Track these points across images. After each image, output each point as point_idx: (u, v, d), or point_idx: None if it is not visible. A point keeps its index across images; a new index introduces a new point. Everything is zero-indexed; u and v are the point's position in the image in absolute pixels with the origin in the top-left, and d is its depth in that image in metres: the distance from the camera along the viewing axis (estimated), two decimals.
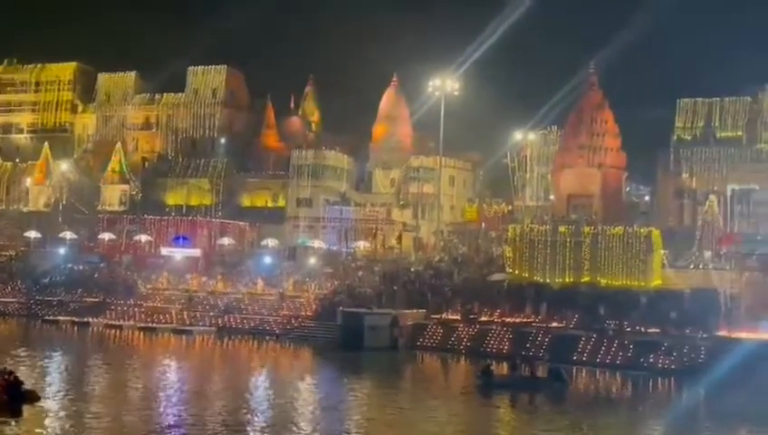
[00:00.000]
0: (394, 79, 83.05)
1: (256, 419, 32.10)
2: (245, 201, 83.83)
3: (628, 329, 48.86)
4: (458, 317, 53.45)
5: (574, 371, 45.25)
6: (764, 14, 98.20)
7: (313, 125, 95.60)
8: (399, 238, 70.75)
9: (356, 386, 40.42)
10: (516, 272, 56.50)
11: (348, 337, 51.89)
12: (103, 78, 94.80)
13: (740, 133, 74.18)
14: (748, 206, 66.01)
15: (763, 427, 34.40)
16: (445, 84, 67.82)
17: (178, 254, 70.46)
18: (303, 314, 57.94)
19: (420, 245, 72.34)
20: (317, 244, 72.53)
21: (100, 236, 75.74)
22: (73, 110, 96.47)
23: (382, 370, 46.47)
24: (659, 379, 44.22)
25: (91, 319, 59.84)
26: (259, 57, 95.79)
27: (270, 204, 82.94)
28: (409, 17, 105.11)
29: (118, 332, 57.16)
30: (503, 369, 43.17)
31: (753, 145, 70.80)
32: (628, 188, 76.44)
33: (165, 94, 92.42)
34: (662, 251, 54.83)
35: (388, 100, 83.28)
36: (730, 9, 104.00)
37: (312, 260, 67.60)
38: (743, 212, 65.93)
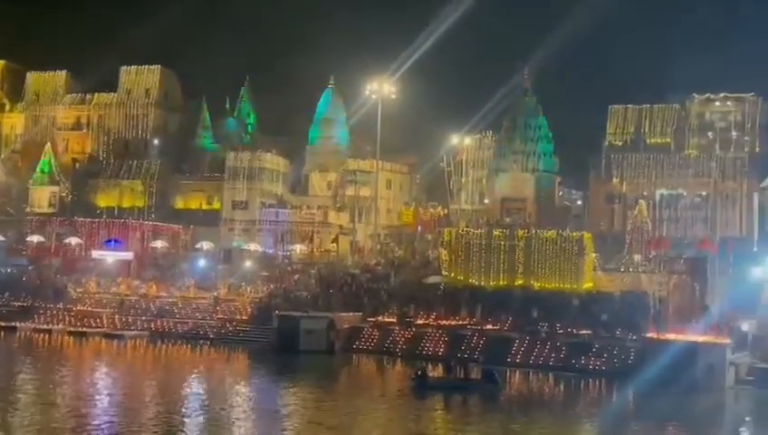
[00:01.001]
0: (331, 81, 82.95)
1: (191, 425, 31.68)
2: (179, 203, 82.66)
3: (561, 331, 49.73)
4: (394, 320, 53.66)
5: (508, 372, 45.84)
6: (692, 25, 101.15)
7: (249, 127, 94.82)
8: (336, 241, 70.70)
9: (292, 390, 40.24)
10: (452, 275, 57.01)
11: (284, 341, 51.57)
12: (32, 77, 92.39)
13: (668, 140, 76.21)
14: (676, 210, 67.84)
15: (689, 426, 35.43)
16: (382, 88, 68.06)
17: (110, 257, 69.04)
18: (239, 317, 57.38)
19: (357, 248, 72.44)
20: (253, 247, 71.95)
21: (28, 239, 73.75)
22: (0, 109, 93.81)
23: (319, 373, 46.36)
24: (591, 380, 45.10)
25: (18, 323, 58.21)
26: (194, 58, 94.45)
27: (205, 206, 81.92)
28: (347, 20, 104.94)
29: (47, 336, 55.76)
30: (438, 371, 43.50)
31: (680, 151, 72.76)
32: (560, 193, 77.82)
33: (96, 94, 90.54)
34: (593, 254, 55.93)
35: (325, 102, 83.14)
36: (660, 18, 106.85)
37: (248, 263, 67.04)
38: (671, 216, 67.74)
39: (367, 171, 77.53)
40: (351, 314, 54.45)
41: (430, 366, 44.40)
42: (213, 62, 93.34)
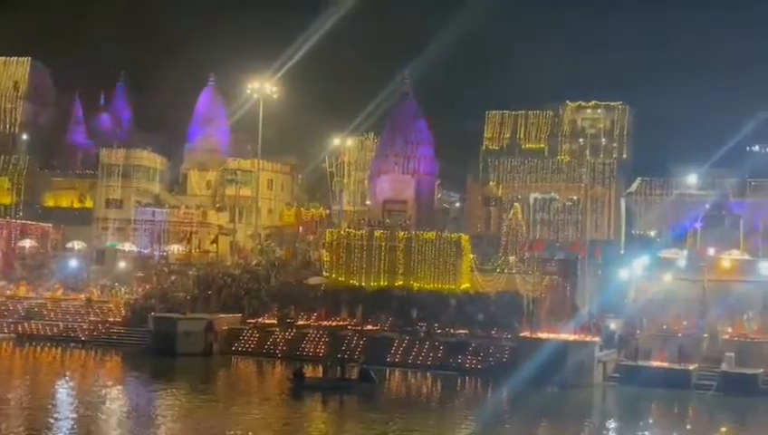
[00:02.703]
0: (211, 79, 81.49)
1: (59, 433, 30.47)
2: (49, 201, 79.38)
3: (439, 331, 50.67)
4: (275, 321, 53.33)
5: (388, 372, 46.38)
6: (567, 35, 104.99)
7: (125, 123, 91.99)
8: (215, 242, 69.56)
9: (168, 393, 39.36)
10: (333, 276, 57.15)
11: (160, 343, 50.42)
12: None
13: (542, 145, 78.78)
14: (549, 213, 70.19)
15: (561, 422, 36.80)
16: (263, 87, 67.49)
17: None
18: (112, 319, 55.79)
19: (237, 248, 71.42)
20: (127, 247, 69.89)
21: None
22: None
23: (196, 376, 45.58)
24: (467, 378, 46.16)
25: None
26: (67, 51, 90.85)
27: (76, 205, 79.01)
28: (228, 18, 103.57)
29: None
30: (318, 372, 43.52)
31: (554, 156, 75.26)
32: (440, 195, 79.18)
33: None
34: (471, 256, 57.24)
35: (204, 100, 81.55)
36: (538, 28, 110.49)
37: (122, 264, 65.20)
38: (544, 219, 70.02)
39: (248, 171, 76.64)
40: (231, 315, 53.76)
41: (311, 367, 44.42)
42: (87, 56, 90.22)
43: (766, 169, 67.28)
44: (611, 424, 37.74)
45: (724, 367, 44.03)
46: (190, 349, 49.92)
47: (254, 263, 64.98)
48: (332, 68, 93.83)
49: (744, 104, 74.80)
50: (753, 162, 69.95)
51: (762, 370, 43.83)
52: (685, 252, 56.50)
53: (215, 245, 69.23)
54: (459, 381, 45.43)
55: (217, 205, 76.71)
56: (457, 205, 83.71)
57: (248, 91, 68.35)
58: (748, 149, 75.60)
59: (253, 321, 53.60)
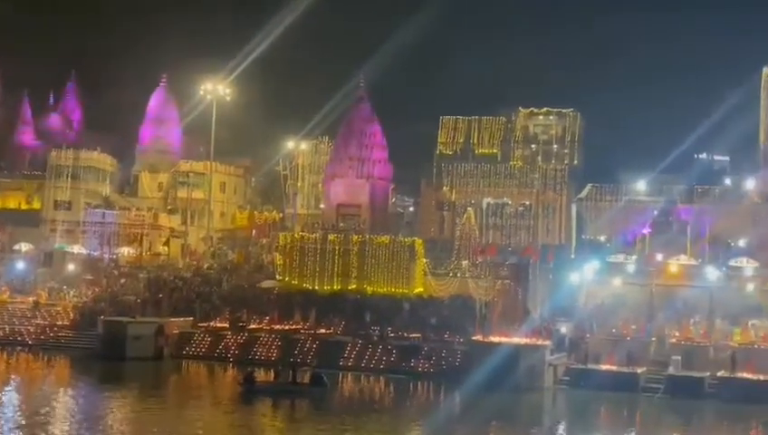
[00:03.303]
0: (163, 79, 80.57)
1: None
2: None
3: (392, 335, 50.78)
4: (227, 325, 52.91)
5: (341, 375, 46.31)
6: (525, 41, 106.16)
7: (75, 123, 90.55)
8: (167, 244, 68.80)
9: (117, 398, 38.85)
10: (286, 279, 56.93)
11: (109, 347, 49.68)
12: None
13: (495, 151, 79.33)
14: (501, 218, 70.84)
15: (512, 425, 37.12)
16: (216, 89, 66.99)
17: None
18: (60, 323, 54.84)
19: (189, 251, 70.73)
20: (76, 249, 68.74)
21: None
22: None
23: (145, 380, 45.04)
24: (420, 382, 46.26)
25: None
26: (15, 49, 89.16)
27: (24, 206, 77.53)
28: (181, 19, 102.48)
29: None
30: (270, 376, 43.28)
31: (506, 162, 75.93)
32: (393, 199, 79.33)
33: None
34: (424, 260, 57.47)
35: (156, 101, 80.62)
36: (494, 35, 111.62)
37: (71, 266, 64.10)
38: (496, 224, 70.64)
39: (200, 173, 75.97)
40: (182, 319, 53.20)
41: (263, 371, 44.17)
42: (36, 54, 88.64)
43: (713, 176, 68.82)
44: (561, 427, 38.15)
45: (671, 370, 44.84)
46: (140, 353, 49.28)
47: (205, 266, 64.42)
48: (287, 70, 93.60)
49: (692, 113, 76.54)
50: (701, 169, 71.48)
51: (708, 373, 44.72)
52: (634, 257, 57.42)
53: (166, 247, 68.48)
54: (412, 385, 45.50)
55: (169, 207, 75.88)
56: (411, 209, 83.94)
57: (201, 93, 67.84)
58: (695, 156, 77.19)
59: (204, 325, 53.10)
